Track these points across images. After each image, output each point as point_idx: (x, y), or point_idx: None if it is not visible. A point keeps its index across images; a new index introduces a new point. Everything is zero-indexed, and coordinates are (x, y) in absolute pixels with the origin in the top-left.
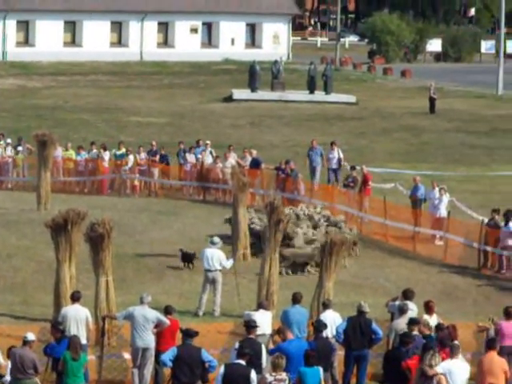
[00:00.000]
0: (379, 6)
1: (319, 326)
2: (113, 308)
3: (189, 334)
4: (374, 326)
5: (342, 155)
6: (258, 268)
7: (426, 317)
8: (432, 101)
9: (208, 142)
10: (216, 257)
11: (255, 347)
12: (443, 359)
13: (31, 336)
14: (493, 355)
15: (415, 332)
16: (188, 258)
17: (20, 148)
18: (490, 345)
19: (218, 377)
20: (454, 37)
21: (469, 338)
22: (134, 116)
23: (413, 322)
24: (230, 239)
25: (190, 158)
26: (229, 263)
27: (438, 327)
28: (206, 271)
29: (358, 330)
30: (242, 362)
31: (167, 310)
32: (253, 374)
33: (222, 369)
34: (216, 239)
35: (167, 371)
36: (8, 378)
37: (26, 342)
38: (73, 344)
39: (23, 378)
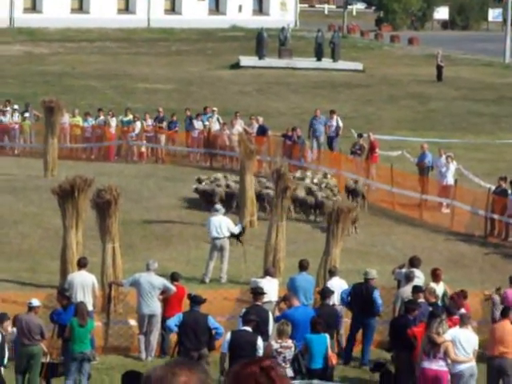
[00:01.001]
0: None
1: (325, 293)
2: (119, 275)
3: (196, 301)
4: (376, 295)
5: (341, 124)
6: (264, 235)
7: (432, 284)
8: (439, 68)
9: (215, 108)
10: (224, 224)
11: (262, 314)
12: (450, 327)
13: (36, 302)
14: (505, 324)
15: (420, 299)
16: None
17: (27, 114)
18: (504, 313)
19: (225, 343)
20: (461, 5)
21: (475, 307)
22: (142, 83)
23: (417, 289)
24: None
25: (197, 124)
26: (237, 228)
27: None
28: (213, 239)
29: (359, 297)
30: (249, 329)
31: (173, 277)
32: (259, 341)
33: (228, 335)
34: (218, 206)
35: (174, 338)
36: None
37: (31, 308)
38: (80, 310)
39: (29, 344)
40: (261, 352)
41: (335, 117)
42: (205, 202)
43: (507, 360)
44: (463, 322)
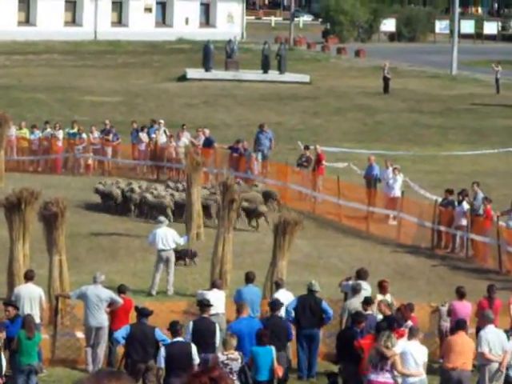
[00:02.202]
0: None
1: (275, 305)
2: (66, 287)
3: (143, 313)
4: (325, 305)
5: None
6: (211, 247)
7: (379, 296)
8: (386, 81)
9: (161, 121)
10: (170, 235)
11: (209, 326)
12: (397, 339)
13: None
14: (463, 336)
15: (368, 311)
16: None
17: None
18: (459, 325)
19: (161, 358)
20: (409, 17)
21: (422, 318)
22: (88, 95)
23: (367, 301)
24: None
25: (144, 137)
26: (182, 240)
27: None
28: (159, 251)
29: (307, 309)
30: (181, 339)
31: (121, 289)
32: (194, 350)
33: (162, 350)
34: (162, 218)
35: (121, 350)
36: None
37: None
38: (27, 323)
39: None
40: (197, 361)
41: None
42: (104, 203)
43: (467, 372)
44: (412, 334)
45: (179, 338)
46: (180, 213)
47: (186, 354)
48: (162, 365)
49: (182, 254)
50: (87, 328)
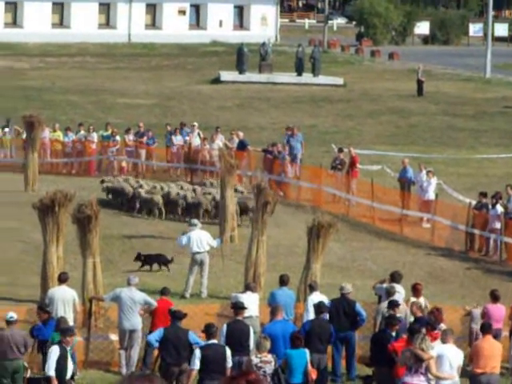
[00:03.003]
0: None
1: (320, 308)
2: (100, 289)
3: (177, 316)
4: (358, 307)
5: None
6: (244, 250)
7: (413, 299)
8: (420, 83)
9: (195, 123)
10: (204, 238)
11: (243, 329)
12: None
13: (14, 315)
14: (490, 339)
15: (399, 314)
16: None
17: (6, 130)
18: (486, 329)
19: (195, 359)
20: (442, 19)
21: (455, 322)
22: (122, 98)
23: (393, 304)
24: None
25: (176, 139)
26: (215, 242)
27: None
28: (194, 254)
29: (341, 312)
30: (215, 341)
31: (163, 292)
32: (228, 353)
33: (197, 351)
34: (195, 221)
35: (156, 353)
36: None
37: (11, 322)
38: (61, 325)
39: (15, 357)
40: (230, 364)
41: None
42: (114, 199)
43: (496, 376)
44: (445, 336)
45: (214, 341)
46: (190, 212)
47: (221, 356)
48: (196, 366)
49: (151, 259)
50: (121, 330)
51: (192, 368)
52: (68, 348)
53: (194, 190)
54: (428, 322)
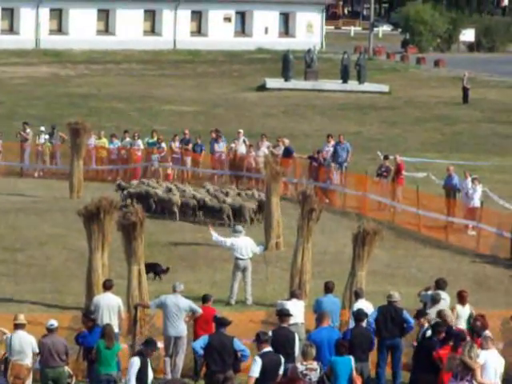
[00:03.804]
0: None
1: (359, 315)
2: (145, 297)
3: (221, 323)
4: (405, 314)
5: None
6: (290, 257)
7: (458, 307)
8: (465, 91)
9: (240, 130)
10: (249, 245)
11: (288, 336)
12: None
13: (55, 322)
14: None
15: (425, 324)
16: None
17: (46, 136)
18: None
19: (256, 367)
20: (488, 27)
21: (501, 328)
22: (167, 104)
23: (420, 314)
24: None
25: (219, 146)
26: (259, 249)
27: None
28: (237, 259)
29: (388, 319)
30: (270, 349)
31: (204, 299)
32: (282, 361)
33: (259, 360)
34: (239, 227)
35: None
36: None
37: (52, 330)
38: (107, 332)
39: (57, 365)
40: (281, 372)
41: (332, 141)
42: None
43: None
44: (485, 343)
45: (269, 348)
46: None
47: (276, 364)
48: (256, 374)
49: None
50: (166, 338)
51: (251, 376)
52: (148, 359)
53: (239, 194)
54: (471, 329)
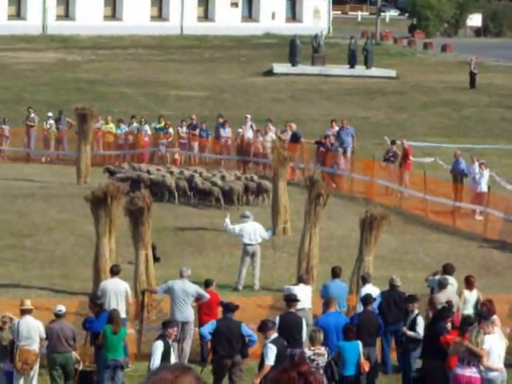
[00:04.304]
0: None
1: (366, 300)
2: (152, 282)
3: (229, 308)
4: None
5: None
6: (297, 242)
7: (466, 292)
8: (472, 75)
9: (248, 115)
10: (258, 230)
11: (296, 321)
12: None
13: (63, 308)
14: None
15: (415, 310)
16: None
17: (51, 122)
18: None
19: (271, 355)
20: (495, 12)
21: (508, 313)
22: (174, 90)
23: (409, 299)
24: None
25: (225, 132)
26: (267, 234)
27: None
28: (246, 245)
29: (392, 304)
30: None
31: (207, 283)
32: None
33: (274, 348)
34: (247, 212)
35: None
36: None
37: (60, 315)
38: (114, 318)
39: (65, 350)
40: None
41: (335, 126)
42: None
43: None
44: (487, 327)
45: (276, 335)
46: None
47: (284, 348)
48: (272, 362)
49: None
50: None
51: (269, 364)
52: (170, 341)
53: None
54: (479, 314)
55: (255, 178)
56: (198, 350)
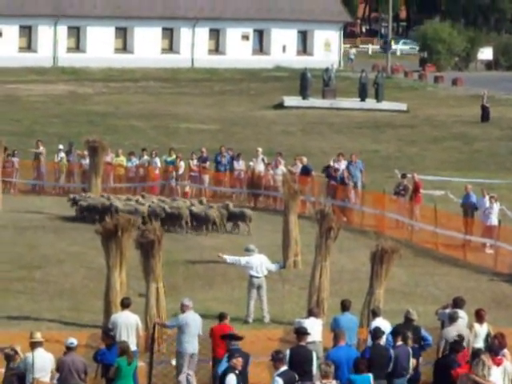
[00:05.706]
0: (430, 14)
1: (377, 334)
2: (163, 315)
3: (233, 337)
4: (424, 332)
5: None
6: (308, 275)
7: (476, 325)
8: (485, 109)
9: (259, 148)
10: (264, 263)
11: (306, 354)
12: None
13: (75, 341)
14: None
15: (398, 343)
16: None
17: (62, 155)
18: None
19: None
20: (506, 45)
21: None
22: (185, 123)
23: (396, 332)
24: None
25: (238, 165)
26: (274, 266)
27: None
28: (252, 277)
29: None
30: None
31: (221, 317)
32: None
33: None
34: (252, 246)
35: None
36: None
37: (72, 348)
38: (125, 349)
39: (75, 383)
40: None
41: (342, 160)
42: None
43: None
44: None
45: (285, 367)
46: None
47: (293, 382)
48: None
49: None
50: (183, 354)
51: None
52: (236, 371)
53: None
54: (489, 347)
55: (231, 206)
56: None
